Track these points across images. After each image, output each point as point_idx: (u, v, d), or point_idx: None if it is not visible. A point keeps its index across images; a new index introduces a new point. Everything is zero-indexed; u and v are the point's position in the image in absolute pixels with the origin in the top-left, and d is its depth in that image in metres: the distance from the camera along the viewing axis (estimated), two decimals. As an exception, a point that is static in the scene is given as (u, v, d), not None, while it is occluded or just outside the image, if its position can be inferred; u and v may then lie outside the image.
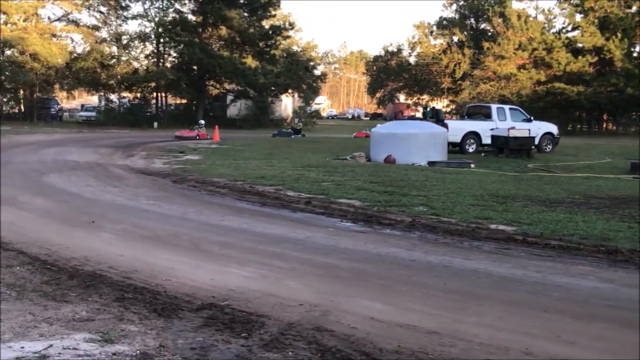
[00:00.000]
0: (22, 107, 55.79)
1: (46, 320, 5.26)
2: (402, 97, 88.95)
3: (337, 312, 5.79)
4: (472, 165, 20.30)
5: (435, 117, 30.24)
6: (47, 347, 4.63)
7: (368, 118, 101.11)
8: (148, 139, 34.03)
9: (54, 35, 52.96)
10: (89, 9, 53.87)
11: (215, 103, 60.26)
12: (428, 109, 38.44)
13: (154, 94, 57.11)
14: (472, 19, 74.06)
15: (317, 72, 70.40)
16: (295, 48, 71.44)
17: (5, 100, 57.72)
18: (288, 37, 61.04)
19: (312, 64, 70.25)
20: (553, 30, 62.87)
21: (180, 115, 56.90)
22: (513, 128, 25.60)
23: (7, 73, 49.06)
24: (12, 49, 50.29)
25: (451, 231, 9.87)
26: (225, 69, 50.81)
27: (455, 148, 26.98)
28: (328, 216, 11.39)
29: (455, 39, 72.83)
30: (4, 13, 50.08)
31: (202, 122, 39.00)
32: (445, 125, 26.29)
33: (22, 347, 4.61)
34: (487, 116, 28.81)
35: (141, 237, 9.38)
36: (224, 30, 54.46)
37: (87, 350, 4.63)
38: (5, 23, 50.42)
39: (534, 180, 16.44)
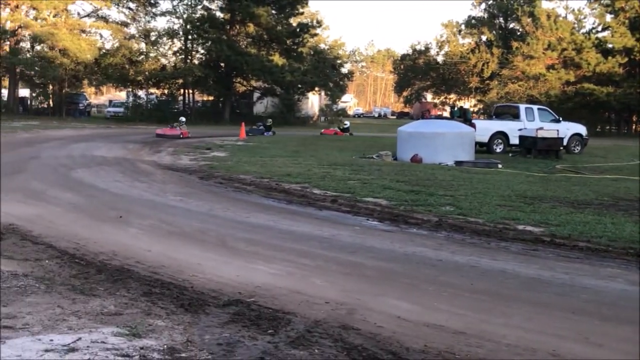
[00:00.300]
0: (51, 102, 56.27)
1: (75, 314, 5.29)
2: (429, 96, 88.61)
3: (363, 311, 5.78)
4: (500, 166, 20.17)
5: (463, 116, 30.11)
6: (75, 340, 4.66)
7: (395, 117, 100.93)
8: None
9: (84, 31, 53.30)
10: (118, 5, 54.23)
11: (241, 100, 60.40)
12: (456, 109, 38.25)
13: (181, 90, 57.35)
14: (501, 18, 73.54)
15: (344, 70, 70.28)
16: (322, 46, 71.39)
17: (34, 95, 58.29)
18: (315, 35, 61.01)
19: (339, 62, 70.16)
20: (583, 30, 62.34)
21: (207, 112, 57.13)
22: (541, 128, 25.40)
23: (36, 68, 49.50)
24: (42, 45, 50.75)
25: (478, 231, 9.82)
26: (253, 67, 50.92)
27: (483, 148, 26.85)
28: (354, 215, 11.39)
29: (484, 38, 72.43)
30: (35, 9, 50.56)
31: (183, 119, 36.54)
32: (473, 125, 26.14)
33: (51, 340, 4.64)
34: (515, 116, 28.64)
35: (168, 233, 9.42)
36: (251, 28, 54.56)
37: (115, 344, 4.65)
38: (36, 18, 50.87)
39: (562, 182, 16.30)
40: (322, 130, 43.22)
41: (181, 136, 32.19)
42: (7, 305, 5.40)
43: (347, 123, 46.89)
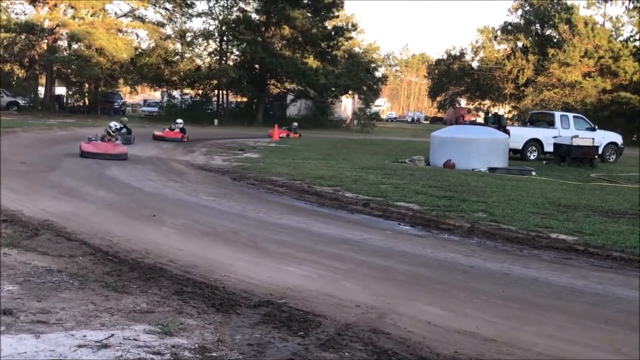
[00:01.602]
0: (87, 101, 56.85)
1: (107, 310, 5.34)
2: (463, 102, 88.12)
3: (394, 315, 5.77)
4: (534, 173, 20.00)
5: (497, 123, 29.84)
6: (108, 336, 4.71)
7: (428, 122, 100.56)
8: (208, 135, 34.36)
9: (120, 31, 53.77)
10: (154, 5, 54.58)
11: (275, 102, 60.53)
12: (490, 115, 37.88)
13: (216, 91, 57.60)
14: (538, 25, 72.86)
15: (378, 74, 70.06)
16: (357, 49, 71.36)
17: (70, 93, 58.95)
18: (350, 38, 60.98)
19: (373, 65, 70.02)
20: (620, 38, 61.64)
21: (240, 113, 57.37)
22: (576, 136, 25.17)
23: (73, 67, 50.06)
24: (79, 43, 51.29)
25: (511, 239, 9.76)
26: (287, 69, 51.01)
27: (517, 155, 26.67)
28: (386, 219, 11.37)
29: (520, 44, 71.80)
30: (73, 7, 51.14)
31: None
32: (507, 132, 25.95)
33: (84, 336, 4.69)
34: (550, 123, 28.42)
35: (200, 233, 9.48)
36: (286, 30, 54.67)
37: (147, 341, 4.69)
38: (73, 17, 51.44)
39: (597, 190, 16.12)
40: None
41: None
42: (41, 301, 5.47)
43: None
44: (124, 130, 24.97)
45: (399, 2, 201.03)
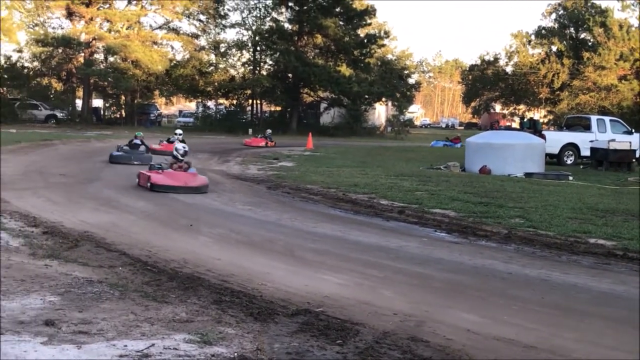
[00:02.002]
0: (123, 113, 57.53)
1: (147, 320, 5.40)
2: (497, 107, 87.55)
3: (432, 323, 5.76)
4: (570, 178, 19.79)
5: (533, 127, 29.57)
6: (148, 346, 4.76)
7: (462, 127, 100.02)
8: (243, 145, 34.50)
9: (155, 43, 54.33)
10: (189, 17, 55.06)
11: (308, 110, 60.66)
12: (525, 120, 37.58)
13: (250, 101, 57.92)
14: (572, 29, 72.17)
15: (411, 81, 69.99)
16: (389, 56, 71.25)
17: (107, 105, 59.68)
18: (383, 45, 60.92)
19: (406, 72, 69.90)
20: (657, 40, 60.71)
21: (274, 122, 57.56)
22: (613, 140, 24.86)
23: (110, 79, 50.70)
24: (115, 56, 51.95)
25: (549, 244, 9.68)
26: (320, 77, 51.11)
27: (553, 160, 26.42)
28: (422, 226, 11.35)
29: (554, 48, 71.15)
30: (109, 21, 51.82)
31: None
32: (543, 136, 25.71)
33: (125, 346, 4.74)
34: (587, 128, 28.10)
35: (237, 242, 9.55)
36: (319, 39, 54.80)
37: (187, 350, 4.73)
38: (109, 30, 52.10)
39: (635, 195, 15.89)
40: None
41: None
42: (82, 311, 5.54)
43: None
44: (142, 148, 22.79)
45: (432, 9, 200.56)
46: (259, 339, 5.10)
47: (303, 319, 5.69)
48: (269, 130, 36.59)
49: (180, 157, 15.38)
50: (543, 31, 72.47)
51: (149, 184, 14.59)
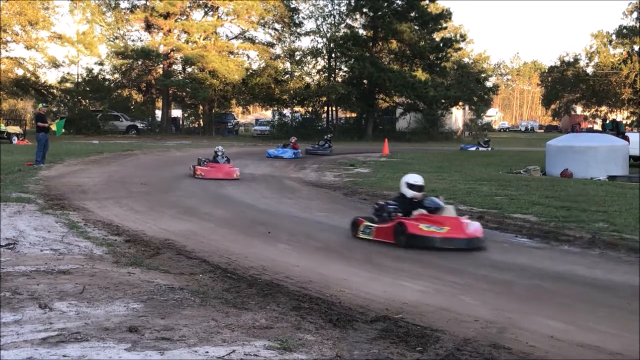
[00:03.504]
0: (201, 122, 58.56)
1: (228, 327, 5.43)
2: (578, 109, 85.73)
3: (515, 330, 5.64)
4: (656, 180, 19.19)
5: (616, 129, 28.79)
6: (229, 352, 4.78)
7: (542, 130, 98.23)
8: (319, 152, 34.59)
9: (232, 53, 55.12)
10: (264, 26, 55.71)
11: (384, 116, 60.50)
12: (608, 121, 36.66)
13: (325, 108, 58.16)
14: (655, 27, 70.16)
15: (488, 84, 69.16)
16: (466, 60, 70.67)
17: (186, 115, 60.85)
18: (459, 49, 60.42)
19: (483, 75, 69.15)
20: None
21: (350, 128, 57.64)
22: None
23: (188, 89, 51.66)
24: (192, 67, 52.94)
25: (634, 249, 9.37)
26: (395, 83, 50.89)
27: (637, 162, 25.65)
28: (502, 231, 11.17)
29: (636, 48, 69.28)
30: (186, 32, 52.83)
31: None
32: (627, 138, 25.01)
33: (207, 352, 4.78)
34: (672, 128, 27.22)
35: (315, 249, 9.56)
36: (394, 44, 54.65)
37: (267, 357, 4.74)
38: (187, 42, 53.12)
39: None
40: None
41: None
42: (164, 318, 5.62)
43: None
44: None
45: (509, 11, 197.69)
46: (339, 345, 5.08)
47: (382, 325, 5.64)
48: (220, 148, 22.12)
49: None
50: (624, 30, 70.60)
51: None
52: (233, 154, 26.20)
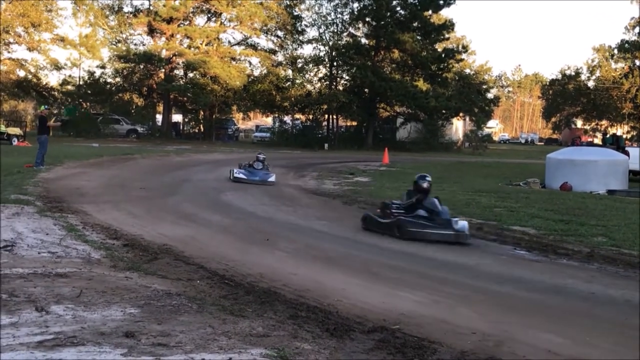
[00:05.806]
0: (202, 127, 58.61)
1: (225, 334, 5.41)
2: (579, 123, 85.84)
3: (512, 343, 5.63)
4: (656, 195, 19.19)
5: (616, 143, 28.87)
6: (226, 360, 4.77)
7: (542, 143, 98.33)
8: (319, 160, 34.66)
9: (234, 59, 55.18)
10: (266, 33, 55.82)
11: (385, 125, 60.50)
12: (608, 135, 36.69)
13: (326, 116, 58.16)
14: (657, 42, 70.26)
15: (489, 96, 69.15)
16: (468, 71, 70.70)
17: (186, 120, 60.88)
18: (461, 60, 60.40)
19: (484, 87, 69.18)
20: None
21: (350, 137, 57.66)
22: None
23: (189, 95, 51.71)
24: (194, 72, 52.98)
25: (633, 264, 9.37)
26: (397, 92, 50.93)
27: (637, 177, 25.66)
28: (500, 243, 11.15)
29: (638, 62, 69.41)
30: (189, 37, 52.90)
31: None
32: (627, 153, 25.05)
33: (203, 359, 4.76)
34: (673, 143, 27.25)
35: (313, 257, 9.54)
36: (396, 54, 54.71)
37: (263, 365, 4.73)
38: (189, 47, 53.18)
39: None
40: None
41: None
42: (161, 324, 5.60)
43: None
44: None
45: (511, 23, 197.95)
46: (335, 355, 5.07)
47: (379, 336, 5.63)
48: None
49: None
50: (626, 45, 70.69)
51: None
52: (233, 160, 26.24)
